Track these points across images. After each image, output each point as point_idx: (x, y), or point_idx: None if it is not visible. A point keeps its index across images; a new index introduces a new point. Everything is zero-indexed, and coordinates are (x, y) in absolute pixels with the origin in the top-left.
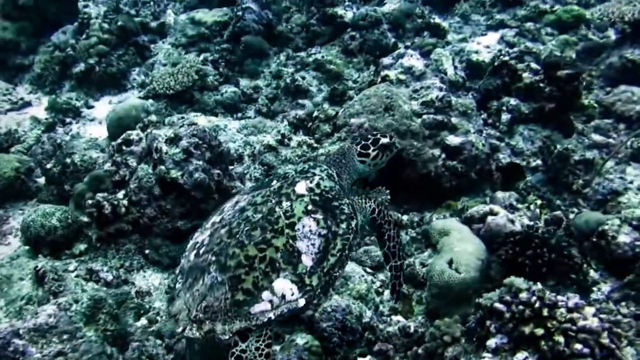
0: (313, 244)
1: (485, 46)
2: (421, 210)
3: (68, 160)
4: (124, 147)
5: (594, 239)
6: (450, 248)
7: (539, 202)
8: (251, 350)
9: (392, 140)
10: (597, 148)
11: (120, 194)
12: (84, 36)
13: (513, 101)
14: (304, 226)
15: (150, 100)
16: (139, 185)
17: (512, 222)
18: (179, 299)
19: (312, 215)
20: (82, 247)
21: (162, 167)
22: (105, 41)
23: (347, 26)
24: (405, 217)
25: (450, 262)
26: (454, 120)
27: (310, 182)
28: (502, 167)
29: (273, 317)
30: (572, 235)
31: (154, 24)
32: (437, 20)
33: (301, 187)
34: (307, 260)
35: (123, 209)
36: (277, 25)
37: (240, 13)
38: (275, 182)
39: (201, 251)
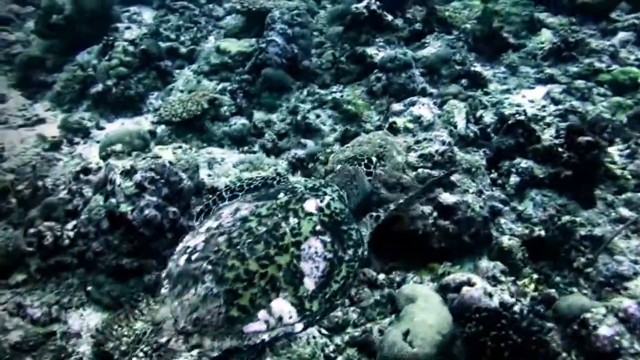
0: (317, 267)
1: (530, 100)
2: (409, 269)
3: (40, 182)
4: (81, 176)
5: (575, 327)
6: (410, 317)
7: (535, 276)
8: None
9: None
10: (622, 224)
11: (70, 225)
12: (106, 57)
13: (524, 163)
14: (309, 247)
15: (163, 126)
16: (88, 217)
17: (490, 296)
18: (164, 306)
19: (320, 236)
20: (20, 277)
21: (113, 200)
22: (127, 64)
23: (376, 67)
24: (381, 277)
25: (406, 334)
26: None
27: (321, 201)
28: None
29: (267, 339)
30: (559, 319)
31: (184, 50)
32: (478, 68)
33: (311, 205)
34: (309, 284)
35: (67, 241)
36: (302, 60)
37: (263, 45)
38: (282, 194)
39: (194, 257)
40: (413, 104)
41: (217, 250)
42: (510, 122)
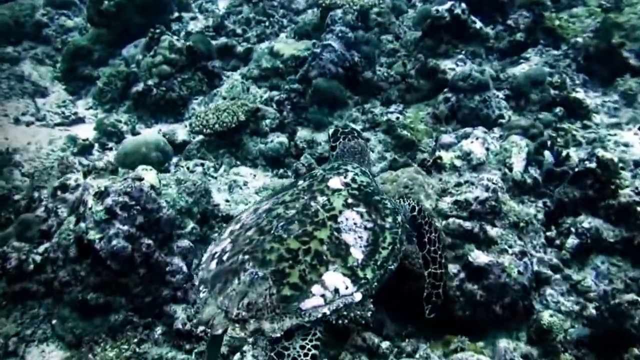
0: (360, 237)
1: None
2: (428, 338)
3: (36, 194)
4: (59, 193)
5: None
6: None
7: None
8: (295, 348)
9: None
10: None
11: (42, 247)
12: (151, 53)
13: (588, 222)
14: (347, 219)
15: (200, 137)
16: (58, 241)
17: None
18: (207, 306)
19: (354, 208)
20: None
21: (82, 225)
22: (171, 62)
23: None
24: (384, 345)
25: None
26: (492, 232)
27: (345, 177)
28: None
29: (328, 313)
30: None
31: (240, 49)
32: (581, 94)
33: (335, 182)
34: (357, 253)
35: (32, 266)
36: (364, 70)
37: (318, 50)
38: (300, 182)
39: (225, 257)
40: (466, 136)
41: (250, 242)
42: (577, 169)
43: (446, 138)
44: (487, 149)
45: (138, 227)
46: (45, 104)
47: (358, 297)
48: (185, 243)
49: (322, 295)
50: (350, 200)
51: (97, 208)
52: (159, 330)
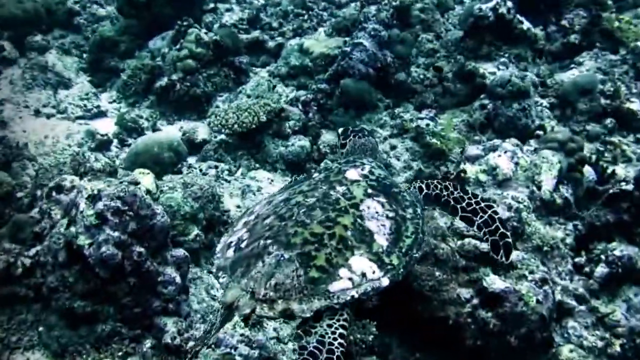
0: (383, 225)
1: None
2: None
3: (39, 192)
4: (53, 194)
5: None
6: None
7: None
8: (322, 326)
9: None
10: None
11: (33, 251)
12: (177, 46)
13: (620, 250)
14: (368, 207)
15: (221, 136)
16: (49, 245)
17: None
18: (230, 290)
19: (375, 198)
20: None
21: (72, 230)
22: (197, 56)
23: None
24: None
25: None
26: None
27: (362, 169)
28: None
29: (356, 296)
30: None
31: (271, 44)
32: (636, 105)
33: (353, 174)
34: (381, 240)
35: (20, 270)
36: (396, 71)
37: (348, 49)
38: (316, 174)
39: (243, 244)
40: (494, 148)
41: (270, 228)
42: (612, 190)
43: (472, 150)
44: (517, 164)
45: (130, 234)
46: (67, 96)
47: (385, 282)
48: (180, 253)
49: (350, 279)
50: (370, 191)
51: (88, 212)
52: (148, 343)
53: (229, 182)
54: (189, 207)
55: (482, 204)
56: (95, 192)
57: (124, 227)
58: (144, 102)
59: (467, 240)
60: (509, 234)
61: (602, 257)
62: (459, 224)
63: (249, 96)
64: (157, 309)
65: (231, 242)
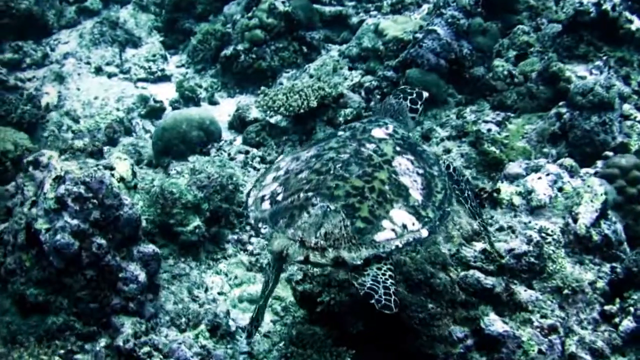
0: (416, 181)
1: None
2: None
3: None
4: (30, 168)
5: None
6: None
7: None
8: (373, 269)
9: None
10: None
11: (2, 227)
12: (249, 14)
13: None
14: (400, 164)
15: (278, 117)
16: (12, 224)
17: None
18: (276, 239)
19: (403, 155)
20: None
21: (34, 211)
22: (267, 27)
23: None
24: None
25: None
26: (523, 295)
27: (387, 129)
28: None
29: (400, 245)
30: None
31: (355, 20)
32: None
33: (378, 132)
34: (416, 195)
35: None
36: (475, 65)
37: (420, 36)
38: (341, 133)
39: (279, 197)
40: (537, 169)
41: (309, 181)
42: None
43: (514, 167)
44: (561, 190)
45: (92, 224)
46: (134, 55)
47: (425, 233)
48: (149, 249)
49: (393, 230)
50: (398, 148)
51: (49, 195)
52: (102, 342)
53: (259, 170)
54: (192, 196)
55: (478, 211)
56: (62, 173)
57: (86, 216)
58: (210, 71)
59: (471, 272)
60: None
61: (631, 309)
62: (468, 252)
63: (311, 76)
64: (115, 307)
65: (264, 196)
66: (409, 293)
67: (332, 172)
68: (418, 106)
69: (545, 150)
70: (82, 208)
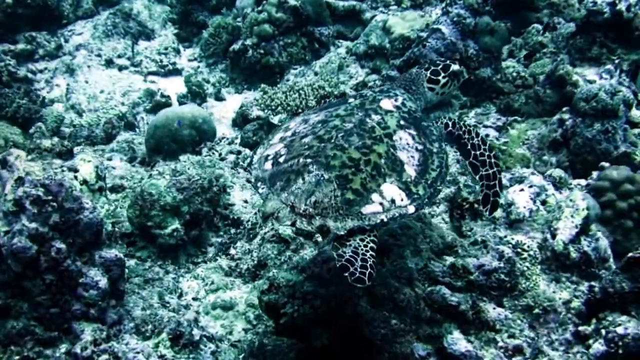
0: (413, 157)
1: None
2: None
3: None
4: None
5: None
6: None
7: None
8: (356, 240)
9: (461, 67)
10: None
11: None
12: (258, 7)
13: (624, 328)
14: (400, 138)
15: (280, 116)
16: None
17: None
18: (270, 200)
19: (407, 130)
20: None
21: None
22: (276, 21)
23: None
24: None
25: None
26: (492, 313)
27: (395, 100)
28: None
29: (385, 219)
30: None
31: (368, 15)
32: None
33: (387, 104)
34: (410, 170)
35: None
36: (481, 66)
37: (424, 35)
38: (352, 100)
39: (281, 159)
40: (521, 180)
41: (310, 147)
42: (632, 253)
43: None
44: (544, 203)
45: (51, 227)
46: (146, 48)
47: (412, 209)
48: (111, 254)
49: (381, 204)
50: (402, 122)
51: (9, 197)
52: (63, 348)
53: (249, 172)
54: (171, 198)
55: (493, 160)
56: (23, 174)
57: (44, 219)
58: (220, 65)
59: (438, 287)
60: (501, 195)
61: (603, 331)
62: (436, 267)
63: (316, 73)
64: (76, 313)
65: (268, 155)
66: (372, 308)
67: (333, 140)
68: (440, 77)
69: (545, 158)
70: (41, 211)
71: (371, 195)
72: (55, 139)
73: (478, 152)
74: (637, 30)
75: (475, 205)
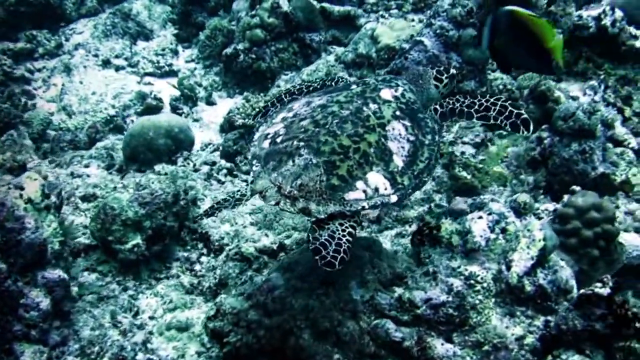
0: (403, 147)
1: None
2: None
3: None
4: None
5: None
6: None
7: None
8: (335, 224)
9: (456, 72)
10: None
11: None
12: (252, 11)
13: None
14: (393, 129)
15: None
16: None
17: None
18: (261, 179)
19: (401, 120)
20: None
21: None
22: (267, 27)
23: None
24: None
25: None
26: (439, 349)
27: (395, 91)
28: None
29: (366, 207)
30: None
31: (363, 20)
32: None
33: (386, 94)
34: (398, 161)
35: None
36: (465, 79)
37: (406, 47)
38: (354, 86)
39: (279, 139)
40: (481, 206)
41: (305, 131)
42: (583, 290)
43: (459, 203)
44: (504, 231)
45: None
46: (144, 48)
47: (394, 199)
48: (54, 275)
49: (364, 191)
50: (398, 113)
51: None
52: None
53: (223, 184)
54: (132, 213)
55: (491, 99)
56: None
57: None
58: (215, 68)
59: (382, 321)
60: (522, 110)
61: None
62: (383, 299)
63: (303, 81)
64: (17, 334)
65: (268, 134)
66: (315, 341)
67: (327, 126)
68: (444, 77)
69: (522, 177)
70: None
71: (356, 182)
72: (8, 154)
73: (477, 106)
74: (625, 45)
75: (435, 232)
